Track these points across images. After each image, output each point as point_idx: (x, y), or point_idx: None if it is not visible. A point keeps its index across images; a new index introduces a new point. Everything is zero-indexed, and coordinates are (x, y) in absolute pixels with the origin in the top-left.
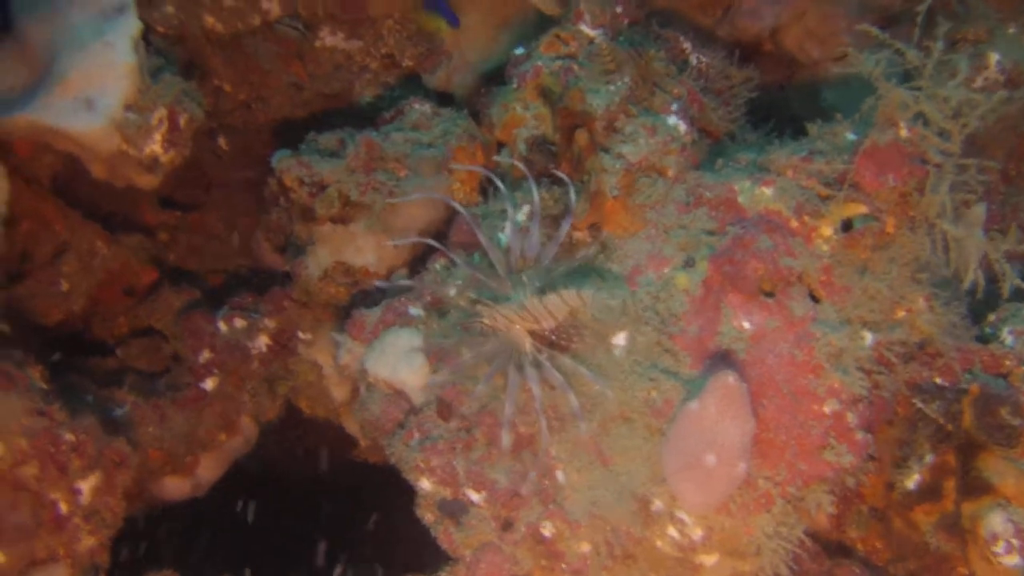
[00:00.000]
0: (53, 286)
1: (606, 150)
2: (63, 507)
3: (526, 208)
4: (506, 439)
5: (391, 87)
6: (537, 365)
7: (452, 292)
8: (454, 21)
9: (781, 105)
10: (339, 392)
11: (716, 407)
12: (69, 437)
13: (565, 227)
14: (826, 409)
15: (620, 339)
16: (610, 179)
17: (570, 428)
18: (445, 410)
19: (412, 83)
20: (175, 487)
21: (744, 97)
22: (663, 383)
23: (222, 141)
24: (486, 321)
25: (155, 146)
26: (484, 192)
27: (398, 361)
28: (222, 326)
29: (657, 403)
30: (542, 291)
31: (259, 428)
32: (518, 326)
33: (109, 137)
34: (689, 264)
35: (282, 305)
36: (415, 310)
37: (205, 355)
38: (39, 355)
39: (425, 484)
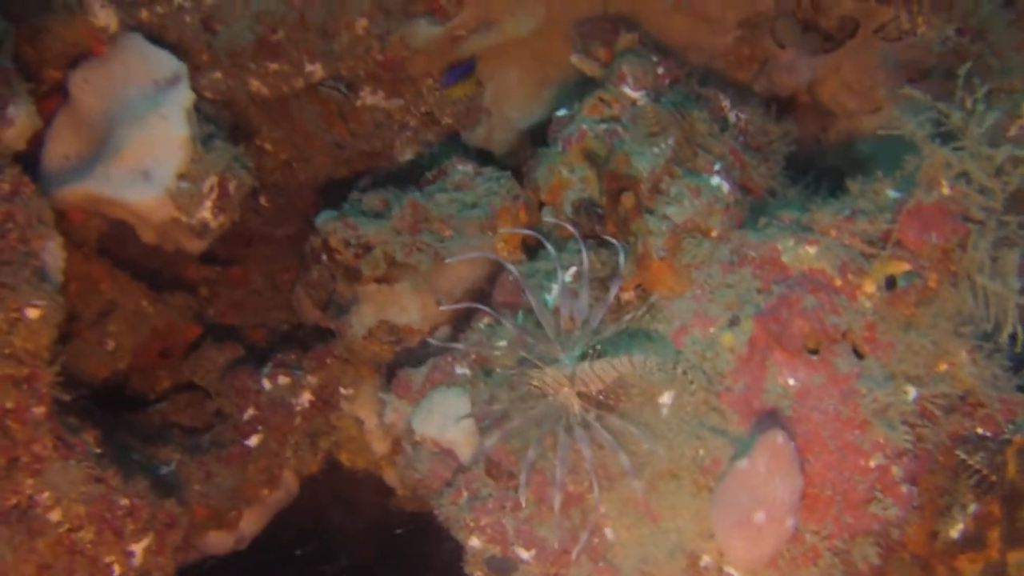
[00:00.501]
0: (100, 346)
1: (651, 212)
2: (117, 569)
3: (572, 269)
4: (557, 500)
5: (431, 144)
6: (586, 426)
7: (498, 353)
8: (469, 70)
9: (817, 156)
10: (380, 446)
11: (765, 465)
12: (124, 502)
13: (614, 289)
14: (871, 463)
15: (666, 398)
16: (656, 241)
17: (618, 486)
18: (494, 469)
19: (452, 141)
20: (218, 541)
21: (783, 152)
22: (710, 441)
23: (263, 199)
24: (535, 383)
25: (206, 213)
26: (528, 252)
27: (446, 420)
28: (267, 383)
29: (705, 461)
30: (592, 356)
31: (300, 481)
32: (566, 389)
33: (163, 206)
34: (734, 323)
35: (325, 362)
36: (461, 369)
37: (250, 412)
38: (89, 415)
39: (475, 542)
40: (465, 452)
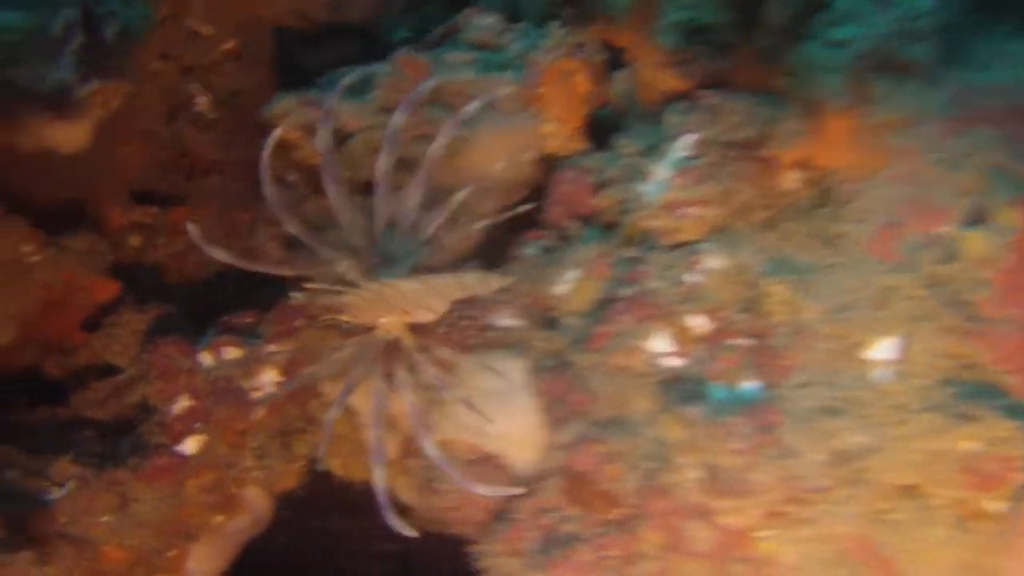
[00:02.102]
0: None
1: (813, 36)
2: None
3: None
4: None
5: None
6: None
7: (566, 288)
8: None
9: None
10: (389, 444)
11: None
12: None
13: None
14: None
15: (885, 350)
16: (830, 83)
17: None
18: (580, 488)
19: None
20: None
21: None
22: (977, 424)
23: (208, 107)
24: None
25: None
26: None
27: (490, 407)
28: (205, 358)
29: (972, 462)
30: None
31: (273, 500)
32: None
33: None
34: (981, 217)
35: (294, 326)
36: (509, 320)
37: (182, 403)
38: None
39: None
40: (524, 458)
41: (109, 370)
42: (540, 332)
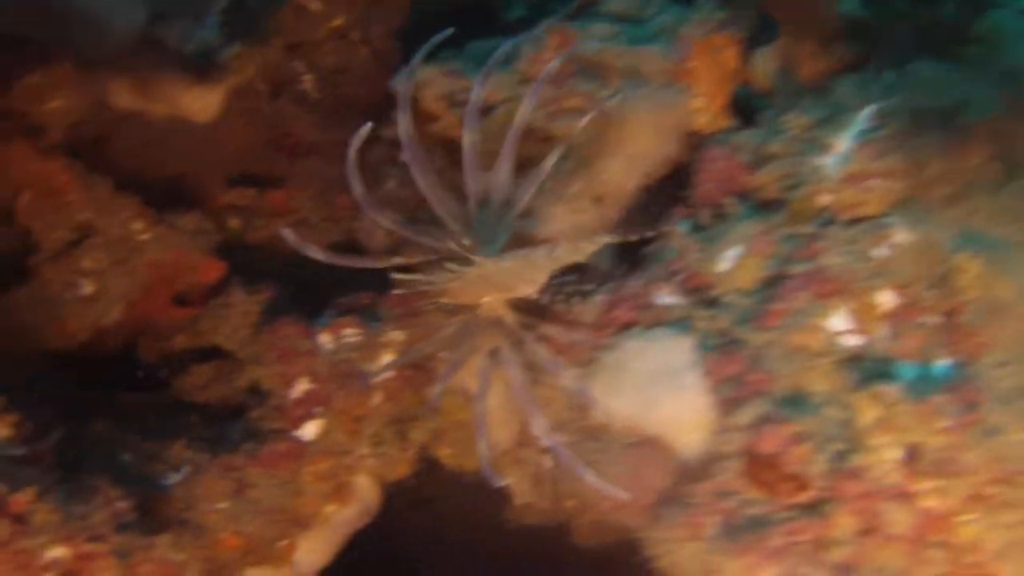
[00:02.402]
0: (72, 290)
1: (1002, 4)
2: None
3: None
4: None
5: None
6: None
7: (727, 265)
8: None
9: None
10: (502, 433)
11: None
12: (57, 553)
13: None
14: None
15: None
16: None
17: None
18: (763, 469)
19: None
20: None
21: None
22: None
23: (311, 85)
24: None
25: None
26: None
27: (652, 386)
28: (325, 340)
29: None
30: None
31: (382, 490)
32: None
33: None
34: None
35: (413, 307)
36: (669, 297)
37: (302, 387)
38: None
39: None
40: (690, 441)
41: (210, 353)
42: (702, 310)
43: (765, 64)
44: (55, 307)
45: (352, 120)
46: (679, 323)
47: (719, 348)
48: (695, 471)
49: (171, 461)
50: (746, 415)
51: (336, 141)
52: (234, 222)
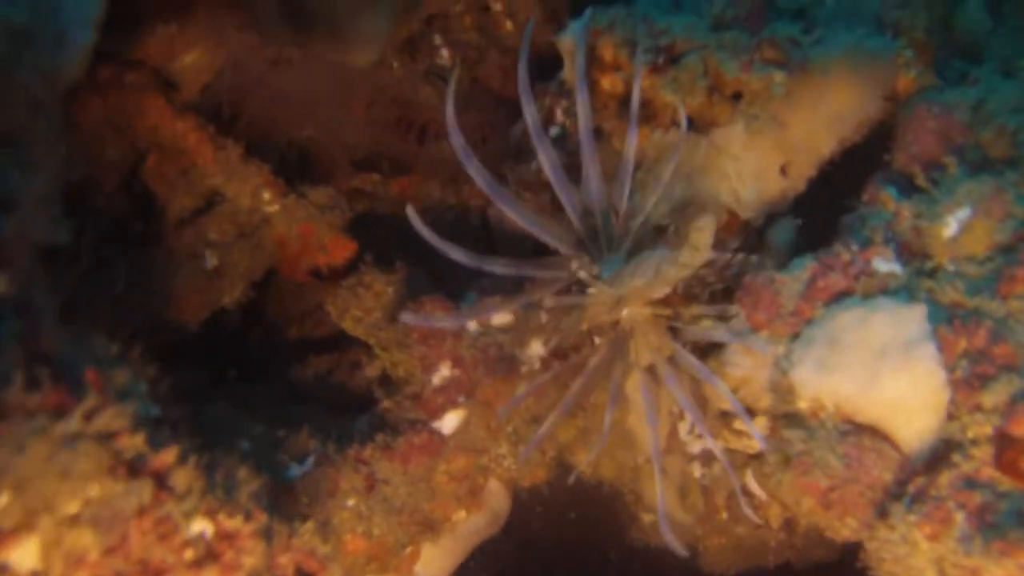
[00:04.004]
0: (194, 263)
1: None
2: None
3: None
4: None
5: None
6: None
7: (952, 229)
8: None
9: None
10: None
11: None
12: (198, 528)
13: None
14: None
15: None
16: None
17: None
18: (1021, 456)
19: None
20: None
21: None
22: None
23: (446, 52)
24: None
25: None
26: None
27: (875, 363)
28: (472, 323)
29: None
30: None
31: (512, 497)
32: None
33: None
34: None
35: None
36: (887, 264)
37: (444, 373)
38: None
39: None
40: (922, 425)
41: (327, 342)
42: (926, 279)
43: (975, 15)
44: (179, 279)
45: (489, 102)
46: (902, 292)
47: (952, 320)
48: (929, 462)
49: (295, 451)
50: (994, 394)
51: (472, 125)
52: (358, 207)
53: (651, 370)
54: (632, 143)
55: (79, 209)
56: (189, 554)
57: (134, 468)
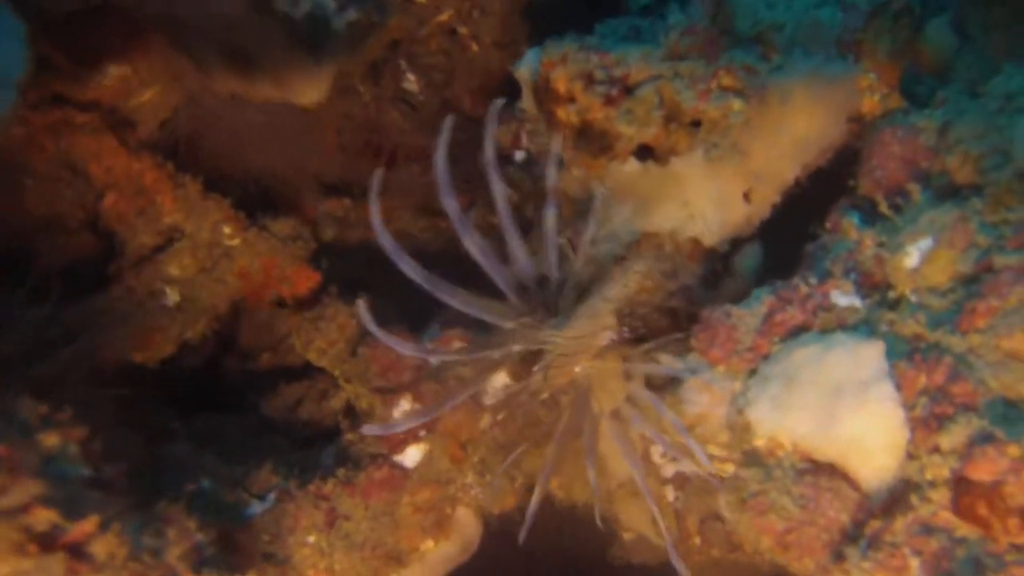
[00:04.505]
0: (155, 298)
1: None
2: None
3: None
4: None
5: None
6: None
7: (914, 260)
8: None
9: None
10: (618, 463)
11: None
12: None
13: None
14: None
15: None
16: None
17: None
18: (980, 503)
19: None
20: None
21: None
22: None
23: (414, 81)
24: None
25: None
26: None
27: (832, 401)
28: (434, 357)
29: None
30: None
31: (483, 524)
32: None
33: None
34: None
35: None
36: (846, 297)
37: (404, 406)
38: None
39: None
40: (880, 466)
41: (300, 372)
42: (886, 312)
43: (940, 36)
44: (138, 318)
45: (459, 125)
46: (861, 327)
47: (912, 355)
48: (887, 503)
49: (256, 488)
50: (952, 436)
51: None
52: (329, 232)
53: (616, 414)
54: (551, 215)
55: (33, 252)
56: None
57: (46, 542)
